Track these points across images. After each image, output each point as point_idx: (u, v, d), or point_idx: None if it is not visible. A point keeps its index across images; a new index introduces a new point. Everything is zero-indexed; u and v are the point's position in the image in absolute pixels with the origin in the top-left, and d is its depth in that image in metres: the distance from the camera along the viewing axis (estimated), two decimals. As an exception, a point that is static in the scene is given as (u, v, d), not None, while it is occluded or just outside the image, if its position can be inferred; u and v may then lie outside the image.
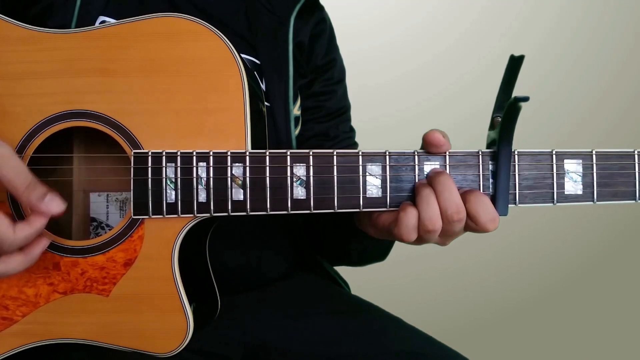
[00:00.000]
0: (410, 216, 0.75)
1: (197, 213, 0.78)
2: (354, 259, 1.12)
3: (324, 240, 1.12)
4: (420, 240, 0.77)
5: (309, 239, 1.14)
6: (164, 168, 0.78)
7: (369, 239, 0.89)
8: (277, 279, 1.08)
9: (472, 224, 0.75)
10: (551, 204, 0.79)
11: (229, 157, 0.78)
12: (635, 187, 0.79)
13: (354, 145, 1.18)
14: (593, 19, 2.33)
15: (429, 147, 0.78)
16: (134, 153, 0.79)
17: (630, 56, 2.36)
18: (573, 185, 0.79)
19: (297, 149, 1.05)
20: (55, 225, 0.83)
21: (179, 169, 0.78)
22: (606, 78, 2.35)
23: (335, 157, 0.78)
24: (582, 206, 0.80)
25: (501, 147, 0.76)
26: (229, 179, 0.78)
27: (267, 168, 0.78)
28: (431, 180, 0.76)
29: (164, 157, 0.79)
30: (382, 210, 0.80)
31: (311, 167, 0.78)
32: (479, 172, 0.78)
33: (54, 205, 0.71)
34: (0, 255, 0.71)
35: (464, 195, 0.75)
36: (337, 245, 1.09)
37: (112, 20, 0.93)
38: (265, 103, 0.99)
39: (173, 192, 0.78)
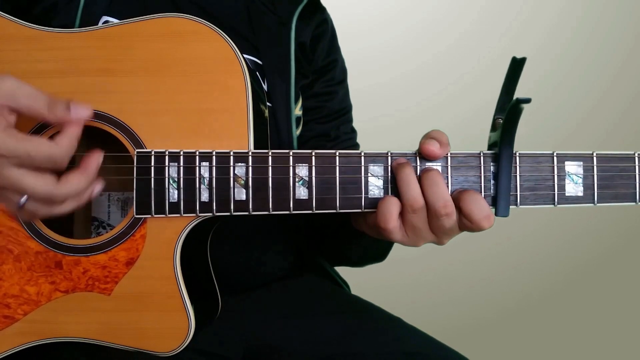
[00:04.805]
0: (388, 202, 0.76)
1: (200, 212, 0.79)
2: (352, 260, 1.12)
3: (323, 241, 1.12)
4: (412, 231, 0.78)
5: (308, 240, 1.14)
6: (166, 167, 0.79)
7: (367, 239, 0.89)
8: (277, 279, 1.08)
9: (467, 222, 0.76)
10: (552, 206, 0.79)
11: (231, 157, 0.78)
12: (636, 189, 0.80)
13: (355, 146, 1.18)
14: (593, 19, 2.34)
15: (424, 157, 0.78)
16: (137, 152, 0.79)
17: (630, 56, 2.36)
18: (574, 187, 0.79)
19: (298, 149, 1.05)
20: (57, 224, 0.83)
21: (181, 168, 0.79)
22: (606, 78, 2.34)
23: (337, 157, 0.79)
24: (582, 208, 0.80)
25: (502, 149, 0.76)
26: (232, 178, 0.78)
27: (270, 168, 0.78)
28: (421, 176, 0.77)
29: (166, 157, 0.79)
30: None
31: (313, 168, 0.78)
32: (481, 173, 0.78)
33: (81, 110, 0.72)
34: (58, 176, 0.71)
35: (458, 194, 0.76)
36: (336, 246, 1.10)
37: (116, 21, 0.93)
38: (267, 103, 0.99)
39: (176, 192, 0.79)
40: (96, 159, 0.74)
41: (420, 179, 0.77)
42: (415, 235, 0.77)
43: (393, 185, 0.78)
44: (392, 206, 0.76)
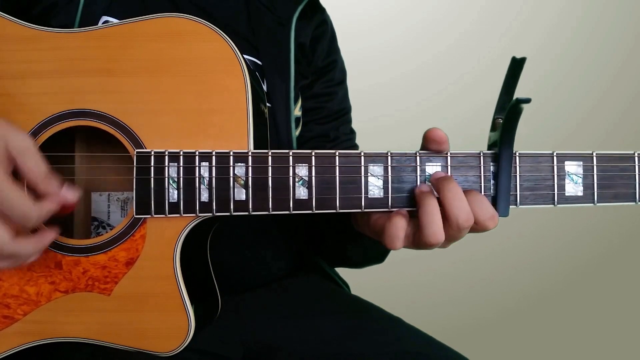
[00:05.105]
0: (395, 227, 0.75)
1: (200, 213, 0.79)
2: (352, 261, 1.12)
3: (323, 241, 1.12)
4: (419, 248, 0.77)
5: (308, 240, 1.14)
6: (166, 167, 0.79)
7: (367, 240, 0.89)
8: (277, 279, 1.08)
9: (472, 224, 0.76)
10: (552, 206, 0.79)
11: (231, 157, 0.78)
12: (636, 189, 0.80)
13: (354, 147, 1.18)
14: (593, 19, 2.34)
15: (430, 144, 0.78)
16: (137, 152, 0.79)
17: (630, 56, 2.36)
18: (574, 186, 0.79)
19: (298, 149, 1.05)
20: (57, 224, 0.83)
21: (181, 168, 0.79)
22: (606, 78, 2.35)
23: (337, 157, 0.79)
24: (582, 208, 0.80)
25: (502, 149, 0.76)
26: (232, 178, 0.78)
27: (270, 168, 0.78)
28: (438, 186, 0.75)
29: (166, 157, 0.79)
30: (382, 211, 0.80)
31: (313, 168, 0.78)
32: (480, 173, 0.78)
33: (70, 194, 0.74)
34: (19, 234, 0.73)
35: None
36: (336, 246, 1.10)
37: (115, 21, 0.93)
38: (267, 104, 0.99)
39: (175, 192, 0.79)
40: (52, 235, 0.76)
41: (437, 188, 0.76)
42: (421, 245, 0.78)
43: (393, 185, 0.78)
44: (400, 231, 0.75)
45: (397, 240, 0.75)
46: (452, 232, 0.75)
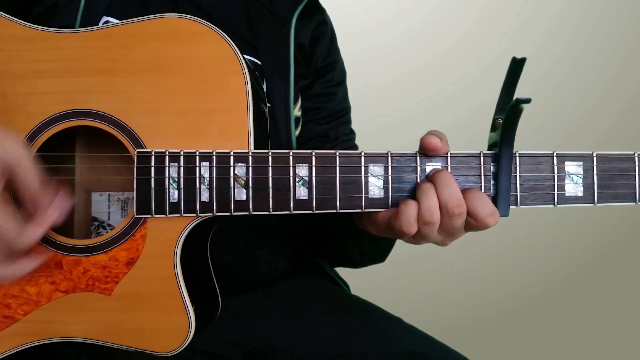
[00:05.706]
0: (410, 207, 0.76)
1: (200, 213, 0.79)
2: (353, 260, 1.12)
3: (323, 240, 1.12)
4: (420, 236, 0.78)
5: (308, 241, 1.14)
6: (167, 167, 0.79)
7: (368, 238, 0.89)
8: (277, 279, 1.08)
9: (472, 221, 0.76)
10: (552, 206, 0.79)
11: (231, 157, 0.78)
12: (636, 189, 0.80)
13: (354, 147, 1.18)
14: (593, 19, 2.34)
15: (425, 151, 0.79)
16: (137, 152, 0.79)
17: (630, 56, 2.36)
18: (574, 187, 0.79)
19: (298, 150, 1.05)
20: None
21: (182, 168, 0.79)
22: (606, 78, 2.35)
23: (337, 157, 0.79)
24: (582, 208, 0.80)
25: (503, 149, 0.76)
26: (232, 178, 0.78)
27: (270, 168, 0.78)
28: (432, 177, 0.77)
29: (167, 157, 0.79)
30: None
31: (314, 168, 0.78)
32: (481, 173, 0.78)
33: (56, 214, 0.75)
34: (11, 257, 0.74)
35: (462, 193, 0.76)
36: (336, 245, 1.10)
37: (116, 21, 0.94)
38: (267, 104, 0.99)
39: (176, 192, 0.79)
40: (45, 256, 0.78)
41: (431, 178, 0.77)
42: (422, 237, 0.78)
43: (393, 185, 0.78)
44: (413, 210, 0.76)
45: (413, 221, 0.76)
46: (445, 221, 0.76)
